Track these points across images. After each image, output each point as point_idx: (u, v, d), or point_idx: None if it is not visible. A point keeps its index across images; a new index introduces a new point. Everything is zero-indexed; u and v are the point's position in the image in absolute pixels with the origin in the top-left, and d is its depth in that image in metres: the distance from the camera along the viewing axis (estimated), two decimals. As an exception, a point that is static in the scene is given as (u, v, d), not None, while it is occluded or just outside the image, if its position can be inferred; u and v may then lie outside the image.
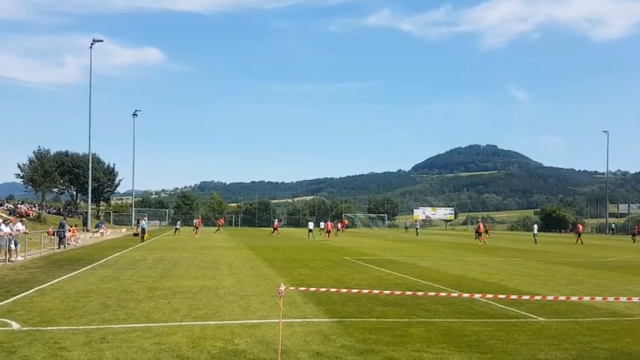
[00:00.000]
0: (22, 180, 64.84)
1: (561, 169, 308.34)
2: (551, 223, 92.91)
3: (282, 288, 6.43)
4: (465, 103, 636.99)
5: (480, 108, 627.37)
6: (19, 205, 53.79)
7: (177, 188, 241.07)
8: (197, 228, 49.98)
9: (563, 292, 13.46)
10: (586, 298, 8.30)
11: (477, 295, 10.51)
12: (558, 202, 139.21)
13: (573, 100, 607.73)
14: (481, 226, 45.39)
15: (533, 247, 36.92)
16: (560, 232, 67.69)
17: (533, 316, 10.15)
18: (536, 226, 50.31)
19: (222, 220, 58.32)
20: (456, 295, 11.46)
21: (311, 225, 49.37)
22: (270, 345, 7.38)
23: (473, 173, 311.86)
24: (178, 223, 58.93)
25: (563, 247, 38.32)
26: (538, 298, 7.86)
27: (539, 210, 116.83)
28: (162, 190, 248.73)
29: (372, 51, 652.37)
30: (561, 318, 10.02)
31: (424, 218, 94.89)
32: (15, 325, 8.52)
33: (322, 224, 49.65)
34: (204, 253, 25.32)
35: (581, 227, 50.43)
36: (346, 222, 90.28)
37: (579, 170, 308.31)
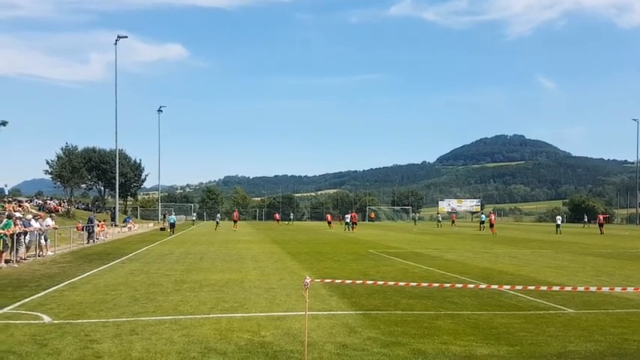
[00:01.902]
0: (50, 176, 65.99)
1: (590, 158, 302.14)
2: (580, 213, 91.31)
3: (308, 280, 6.45)
4: (491, 93, 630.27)
5: (507, 97, 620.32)
6: (48, 201, 54.88)
7: (201, 183, 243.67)
8: (236, 221, 50.80)
9: (593, 284, 13.23)
10: (617, 289, 8.14)
11: (506, 287, 10.42)
12: (587, 193, 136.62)
13: (602, 88, 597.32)
14: (493, 217, 45.32)
15: (561, 238, 36.38)
16: (585, 222, 66.08)
17: (562, 307, 10.00)
18: (559, 217, 49.45)
19: (238, 214, 55.37)
20: (483, 287, 11.35)
21: (347, 218, 48.93)
22: (296, 337, 7.42)
23: (500, 164, 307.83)
24: (218, 216, 57.78)
25: (591, 238, 37.64)
26: (568, 289, 7.74)
27: (567, 201, 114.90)
28: (188, 185, 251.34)
29: (394, 42, 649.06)
30: (592, 309, 9.85)
31: (449, 210, 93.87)
32: (46, 319, 8.72)
33: (347, 217, 49.23)
34: (230, 247, 25.54)
35: (601, 217, 49.56)
36: (373, 214, 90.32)
37: (608, 160, 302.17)
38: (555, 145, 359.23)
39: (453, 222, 64.83)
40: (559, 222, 46.54)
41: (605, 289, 8.49)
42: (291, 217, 75.41)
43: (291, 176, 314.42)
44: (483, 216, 56.33)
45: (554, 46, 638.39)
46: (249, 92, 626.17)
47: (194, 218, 70.20)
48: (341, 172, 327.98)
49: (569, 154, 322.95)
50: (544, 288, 8.20)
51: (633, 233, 46.86)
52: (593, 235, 41.32)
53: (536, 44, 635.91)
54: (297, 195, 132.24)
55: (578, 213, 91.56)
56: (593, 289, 8.08)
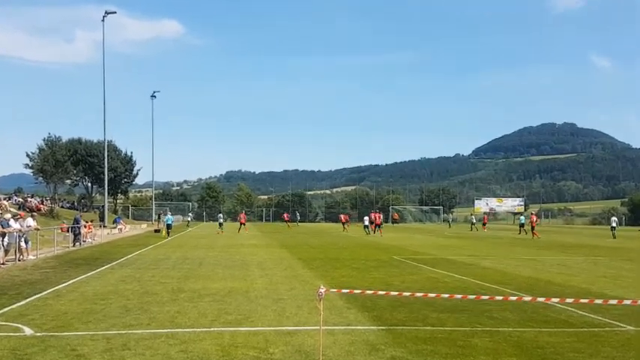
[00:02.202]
0: (31, 170, 66.75)
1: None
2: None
3: (322, 290, 6.48)
4: (536, 75, 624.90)
5: (555, 80, 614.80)
6: (29, 199, 55.62)
7: (200, 179, 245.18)
8: (243, 224, 49.18)
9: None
10: (684, 304, 8.07)
11: (554, 300, 10.33)
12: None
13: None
14: (534, 218, 45.34)
15: (618, 244, 36.05)
16: None
17: (620, 324, 9.92)
18: (614, 219, 48.80)
19: (244, 215, 53.26)
20: (527, 299, 11.28)
21: (366, 220, 48.75)
22: (310, 355, 7.46)
23: (547, 157, 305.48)
24: (221, 216, 54.06)
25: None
26: (627, 302, 7.66)
27: (626, 200, 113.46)
28: (185, 182, 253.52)
29: (421, 16, 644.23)
30: (654, 327, 9.78)
31: (487, 211, 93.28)
32: (28, 331, 8.87)
33: (366, 219, 49.02)
34: (232, 252, 25.70)
35: None
36: (396, 215, 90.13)
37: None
38: (612, 135, 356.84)
39: (484, 224, 62.74)
40: (614, 224, 46.13)
41: (670, 302, 8.42)
42: (298, 218, 74.75)
43: (302, 171, 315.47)
44: (523, 217, 55.97)
45: (608, 19, 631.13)
46: (253, 75, 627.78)
47: (189, 219, 70.00)
48: (360, 167, 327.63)
49: (629, 146, 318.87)
50: (599, 301, 8.17)
51: None
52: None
53: (588, 18, 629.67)
54: (309, 193, 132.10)
55: (638, 214, 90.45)
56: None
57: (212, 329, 9.12)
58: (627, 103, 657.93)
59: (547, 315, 10.72)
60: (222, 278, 15.81)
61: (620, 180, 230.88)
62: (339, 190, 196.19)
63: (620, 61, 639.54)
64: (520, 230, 49.88)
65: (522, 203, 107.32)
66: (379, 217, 47.21)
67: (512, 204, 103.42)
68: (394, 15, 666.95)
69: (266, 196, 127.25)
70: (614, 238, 41.93)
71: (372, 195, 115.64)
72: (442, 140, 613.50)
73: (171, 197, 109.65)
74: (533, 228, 43.06)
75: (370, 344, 8.24)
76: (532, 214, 53.24)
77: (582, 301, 8.62)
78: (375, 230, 45.32)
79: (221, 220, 51.33)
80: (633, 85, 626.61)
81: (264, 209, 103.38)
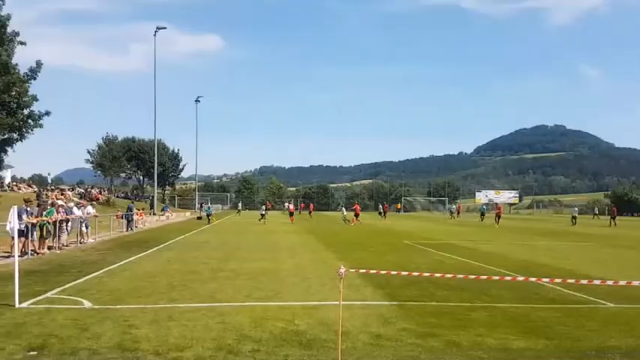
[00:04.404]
0: (91, 165, 67.86)
1: (635, 149, 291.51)
2: (623, 206, 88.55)
3: (342, 270, 6.44)
4: (531, 82, 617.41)
5: (547, 86, 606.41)
6: (89, 189, 56.38)
7: (238, 173, 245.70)
8: (292, 213, 45.50)
9: (635, 278, 12.82)
10: (662, 285, 7.86)
11: (545, 280, 10.20)
12: (631, 185, 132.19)
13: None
14: (501, 208, 45.30)
15: (604, 231, 35.46)
16: (595, 214, 66.19)
17: (603, 302, 9.77)
18: (576, 209, 51.54)
19: (270, 204, 48.42)
20: (521, 279, 11.14)
21: (344, 210, 45.93)
22: (331, 326, 7.45)
23: (539, 155, 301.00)
24: (263, 207, 44.97)
25: (637, 231, 36.54)
26: (609, 283, 7.52)
27: (609, 193, 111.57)
28: (224, 175, 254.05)
29: (432, 30, 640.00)
30: (634, 304, 9.60)
31: (486, 202, 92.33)
32: (87, 304, 8.98)
33: (380, 207, 48.53)
34: (266, 237, 25.77)
35: (615, 210, 49.13)
36: (399, 205, 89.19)
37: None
38: (598, 135, 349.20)
39: (458, 213, 61.86)
40: (575, 214, 47.42)
41: (649, 283, 8.21)
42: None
43: (326, 166, 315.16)
44: (484, 207, 57.38)
45: (598, 33, 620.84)
46: (286, 82, 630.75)
47: (239, 208, 66.94)
48: (376, 163, 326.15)
49: (613, 145, 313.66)
50: (584, 281, 8.00)
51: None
52: (636, 229, 40.14)
53: (580, 31, 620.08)
54: (332, 185, 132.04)
55: (621, 206, 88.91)
56: (635, 283, 7.82)
57: (246, 304, 9.15)
58: (612, 108, 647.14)
59: (538, 293, 10.57)
60: (256, 260, 15.85)
61: (605, 175, 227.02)
62: (358, 183, 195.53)
63: (606, 70, 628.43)
64: (481, 218, 50.20)
65: (517, 195, 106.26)
66: (358, 209, 44.09)
67: (509, 196, 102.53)
68: (407, 31, 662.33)
69: (294, 188, 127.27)
70: (575, 224, 43.05)
71: (387, 187, 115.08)
72: (448, 140, 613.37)
73: (212, 189, 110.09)
74: (499, 217, 42.25)
75: (383, 317, 8.21)
76: (497, 204, 52.88)
77: (569, 281, 8.46)
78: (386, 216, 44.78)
79: (263, 212, 43.38)
80: (617, 92, 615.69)
81: (292, 199, 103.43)
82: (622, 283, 7.54)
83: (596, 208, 73.17)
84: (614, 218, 45.24)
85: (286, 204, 56.57)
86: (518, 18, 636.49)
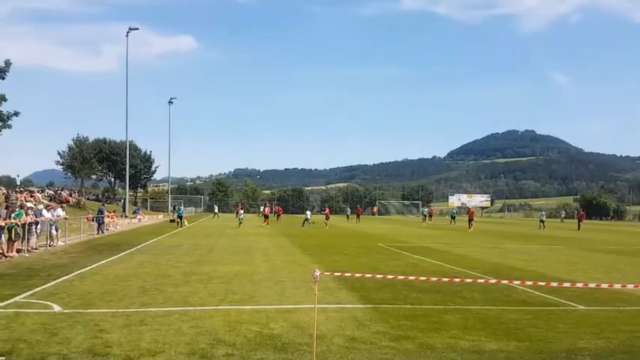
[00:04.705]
0: (61, 167, 66.49)
1: (603, 154, 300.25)
2: (592, 210, 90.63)
3: (317, 273, 6.44)
4: (502, 88, 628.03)
5: (518, 92, 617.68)
6: (59, 192, 55.29)
7: (212, 175, 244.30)
8: (267, 216, 44.12)
9: (604, 280, 13.12)
10: (630, 286, 8.08)
11: (516, 283, 10.34)
12: (599, 189, 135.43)
13: (616, 84, 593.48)
14: (474, 213, 45.55)
15: (573, 234, 36.20)
16: (562, 218, 68.57)
17: (573, 304, 9.93)
18: (543, 213, 52.95)
19: (241, 207, 49.38)
20: (493, 282, 11.28)
21: (308, 214, 45.21)
22: (305, 330, 7.43)
23: (510, 159, 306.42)
24: (241, 212, 43.63)
25: (605, 234, 37.40)
26: (579, 285, 7.67)
27: (579, 197, 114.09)
28: (198, 177, 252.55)
29: (406, 35, 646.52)
30: (603, 306, 9.77)
31: (459, 205, 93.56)
32: (57, 308, 8.79)
33: (348, 209, 49.17)
34: (239, 240, 25.61)
35: (584, 214, 50.45)
36: (374, 209, 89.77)
37: (621, 156, 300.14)
38: (567, 140, 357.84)
39: (430, 216, 61.11)
40: (543, 218, 48.52)
41: (617, 286, 8.43)
42: (241, 213, 44.72)
43: (301, 169, 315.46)
44: (454, 211, 59.27)
45: (567, 40, 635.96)
46: (260, 84, 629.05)
47: (216, 211, 66.34)
48: (351, 166, 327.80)
49: (582, 150, 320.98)
50: (554, 284, 8.14)
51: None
52: (605, 232, 41.07)
53: (550, 39, 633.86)
54: (307, 188, 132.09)
55: (590, 210, 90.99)
56: (604, 285, 8.02)
57: (220, 307, 9.07)
58: (580, 113, 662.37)
59: (509, 295, 10.73)
60: (230, 263, 15.74)
61: (573, 179, 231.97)
62: (333, 186, 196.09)
63: (575, 77, 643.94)
64: (451, 221, 51.11)
65: (489, 199, 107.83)
66: (328, 212, 43.62)
67: (481, 200, 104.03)
68: (382, 35, 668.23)
69: (269, 191, 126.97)
70: (543, 228, 43.88)
71: (362, 191, 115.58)
72: (422, 144, 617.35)
73: (186, 191, 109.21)
74: (471, 220, 42.02)
75: (358, 320, 8.22)
76: (470, 209, 53.82)
77: (540, 283, 8.61)
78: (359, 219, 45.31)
79: (241, 217, 41.49)
80: (585, 98, 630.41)
81: (267, 202, 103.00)
82: (591, 285, 7.71)
83: (562, 212, 75.30)
84: (580, 222, 46.20)
85: (262, 207, 56.66)
86: (490, 24, 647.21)
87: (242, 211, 44.67)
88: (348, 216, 60.39)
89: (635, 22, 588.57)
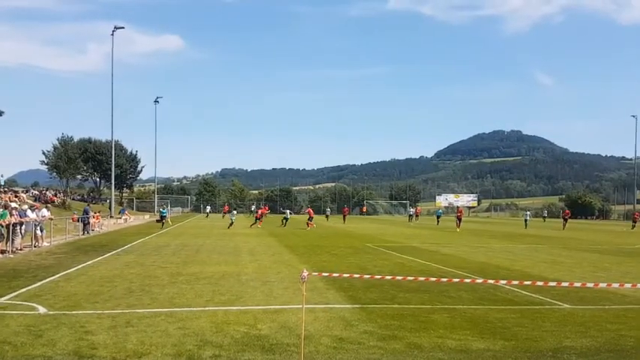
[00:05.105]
0: (46, 166, 65.89)
1: (588, 154, 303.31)
2: (577, 210, 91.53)
3: (305, 274, 6.43)
4: (488, 88, 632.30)
5: (504, 93, 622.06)
6: (44, 192, 54.75)
7: (198, 175, 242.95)
8: (258, 218, 41.21)
9: (589, 279, 13.26)
10: (615, 285, 8.17)
11: (502, 282, 10.42)
12: (584, 189, 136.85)
13: (600, 85, 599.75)
14: (462, 212, 45.57)
15: (558, 234, 36.54)
16: (544, 217, 69.96)
17: (558, 303, 10.03)
18: (528, 213, 54.34)
19: (227, 207, 49.81)
20: (480, 281, 11.36)
21: (288, 212, 44.40)
22: (293, 330, 7.42)
23: (497, 159, 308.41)
24: (234, 212, 42.47)
25: (591, 234, 37.79)
26: (564, 284, 7.74)
27: (564, 196, 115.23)
28: (184, 177, 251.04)
29: (393, 35, 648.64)
30: (588, 305, 9.88)
31: (446, 205, 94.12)
32: (42, 309, 8.70)
33: (328, 210, 49.27)
34: (227, 240, 25.53)
35: (569, 212, 50.91)
36: (364, 209, 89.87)
37: (606, 156, 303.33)
38: (553, 140, 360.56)
39: (416, 216, 62.09)
40: (527, 218, 49.43)
41: (602, 285, 8.48)
42: (233, 213, 42.42)
43: (289, 169, 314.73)
44: (440, 211, 59.65)
45: (552, 41, 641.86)
46: (246, 84, 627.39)
47: (208, 211, 67.25)
48: (339, 166, 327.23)
49: (567, 150, 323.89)
50: (540, 283, 8.21)
51: (630, 230, 46.99)
52: (590, 231, 41.50)
53: (535, 40, 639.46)
54: (295, 188, 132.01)
55: (575, 209, 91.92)
56: (590, 284, 8.08)
57: (207, 308, 9.03)
58: (566, 114, 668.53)
59: (496, 295, 10.81)
60: (217, 263, 15.68)
61: (559, 179, 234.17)
62: (321, 186, 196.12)
63: (560, 77, 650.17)
64: (437, 221, 51.05)
65: (476, 199, 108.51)
66: (311, 212, 42.35)
67: (468, 199, 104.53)
68: (370, 35, 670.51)
69: (257, 191, 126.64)
70: (526, 228, 44.45)
71: (350, 190, 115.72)
72: (409, 144, 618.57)
73: (172, 191, 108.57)
74: (459, 220, 40.98)
75: (346, 320, 8.23)
76: (458, 208, 54.10)
77: (526, 283, 8.68)
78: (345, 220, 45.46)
79: (233, 217, 39.28)
80: (572, 99, 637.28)
81: (255, 202, 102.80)
82: (577, 284, 7.78)
83: (545, 212, 76.52)
84: (566, 221, 46.65)
85: (253, 207, 56.53)
86: (476, 25, 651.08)
87: (235, 212, 43.71)
88: (327, 216, 59.40)
89: (620, 24, 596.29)
